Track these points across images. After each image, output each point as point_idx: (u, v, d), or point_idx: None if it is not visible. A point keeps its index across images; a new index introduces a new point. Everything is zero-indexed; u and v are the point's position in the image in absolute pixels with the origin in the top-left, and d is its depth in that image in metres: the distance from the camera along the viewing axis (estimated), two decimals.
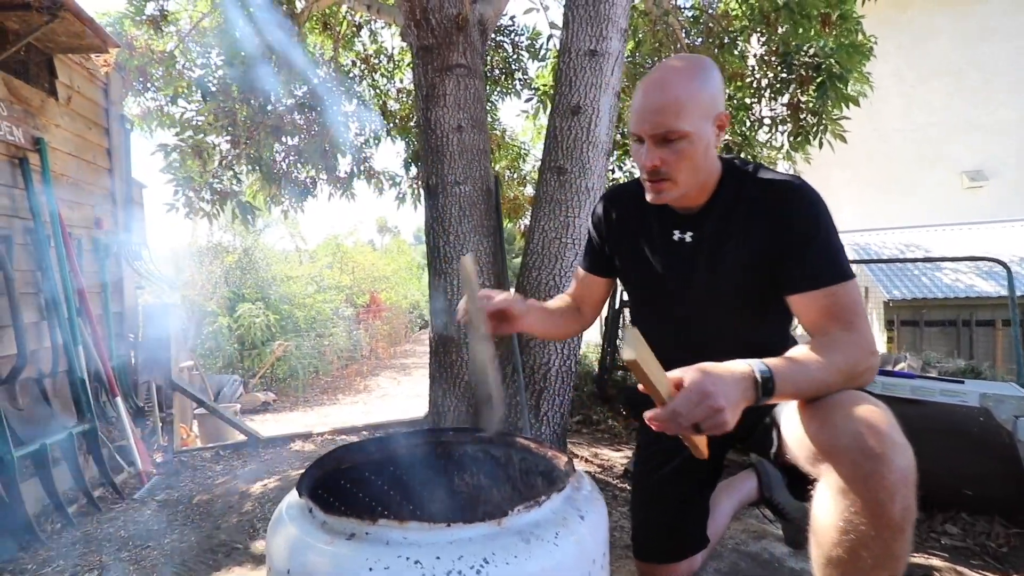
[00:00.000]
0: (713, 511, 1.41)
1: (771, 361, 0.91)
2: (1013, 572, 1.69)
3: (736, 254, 1.10)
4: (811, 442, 0.91)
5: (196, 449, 3.51)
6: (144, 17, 4.42)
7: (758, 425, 1.17)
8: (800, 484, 0.99)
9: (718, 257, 1.12)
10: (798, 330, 1.36)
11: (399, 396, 7.23)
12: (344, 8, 4.76)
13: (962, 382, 1.97)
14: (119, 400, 2.89)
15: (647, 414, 0.89)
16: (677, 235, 1.17)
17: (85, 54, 3.01)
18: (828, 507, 0.87)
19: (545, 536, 0.82)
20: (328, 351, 8.50)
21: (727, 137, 4.25)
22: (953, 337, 4.86)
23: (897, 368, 2.74)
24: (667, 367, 0.90)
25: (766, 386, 0.88)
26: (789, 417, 1.00)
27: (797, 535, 1.72)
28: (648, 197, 1.11)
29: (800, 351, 0.97)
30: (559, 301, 1.41)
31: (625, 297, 4.08)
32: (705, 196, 1.13)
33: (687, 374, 0.86)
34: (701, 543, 1.34)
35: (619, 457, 2.84)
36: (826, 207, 1.04)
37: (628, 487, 2.33)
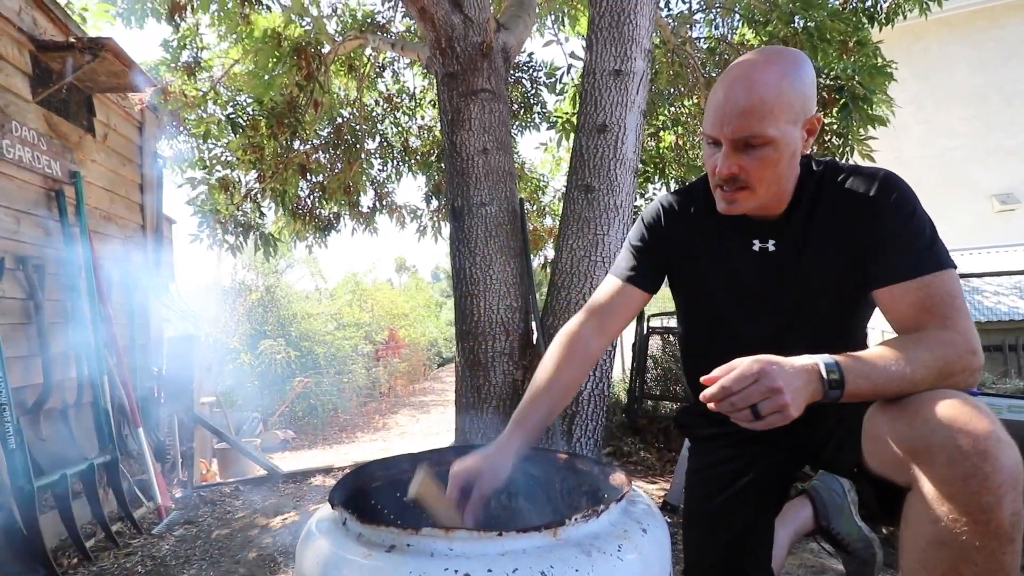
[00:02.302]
0: None
1: (839, 356, 0.82)
2: None
3: (827, 256, 0.99)
4: (899, 443, 0.80)
5: (216, 484, 3.43)
6: (180, 64, 4.65)
7: (832, 436, 1.05)
8: (890, 498, 0.87)
9: (809, 262, 1.00)
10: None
11: (418, 434, 7.09)
12: (368, 50, 4.94)
13: None
14: (141, 432, 2.85)
15: (703, 394, 0.80)
16: (758, 245, 1.04)
17: (122, 93, 3.14)
18: (921, 517, 0.76)
19: (607, 549, 0.73)
20: (347, 388, 8.44)
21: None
22: (1000, 362, 4.63)
23: None
24: None
25: (832, 380, 0.79)
26: (872, 420, 0.89)
27: (860, 568, 1.56)
28: (720, 207, 1.00)
29: (881, 347, 0.86)
30: (564, 345, 1.14)
31: (655, 323, 3.97)
32: (785, 202, 1.01)
33: (739, 361, 0.79)
34: None
35: (655, 489, 2.68)
36: (916, 195, 0.94)
37: (668, 520, 2.18)
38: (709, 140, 0.97)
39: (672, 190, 1.21)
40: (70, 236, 2.61)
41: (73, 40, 2.59)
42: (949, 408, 0.76)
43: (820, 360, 0.81)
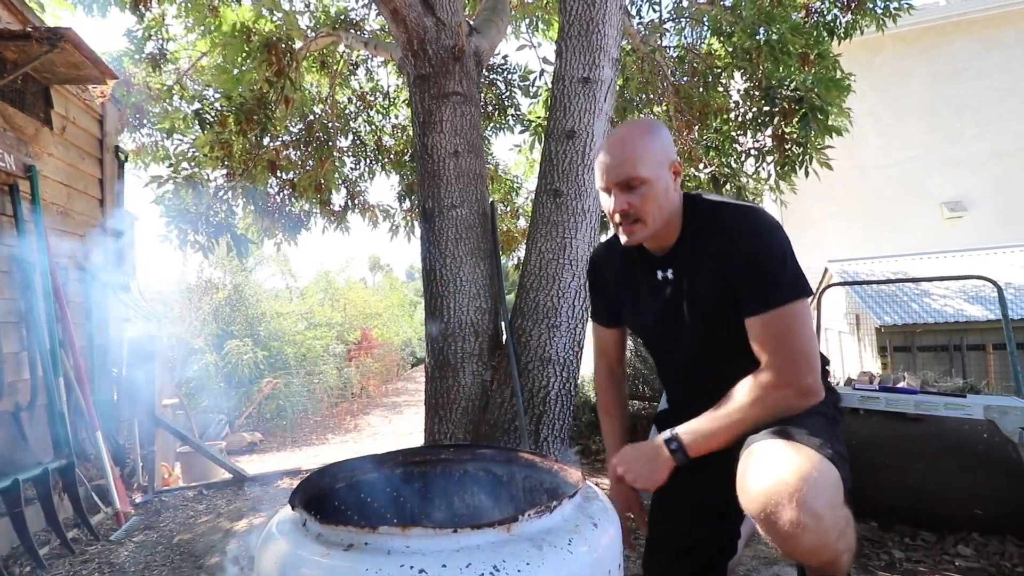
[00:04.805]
0: None
1: (680, 428, 1.10)
2: None
3: (705, 281, 1.16)
4: (744, 505, 0.97)
5: (178, 488, 3.36)
6: (144, 56, 4.52)
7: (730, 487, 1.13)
8: None
9: (694, 286, 1.18)
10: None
11: (390, 435, 7.04)
12: (341, 47, 4.89)
13: (964, 395, 1.95)
14: (99, 436, 2.77)
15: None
16: (660, 275, 1.24)
17: (82, 85, 3.04)
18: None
19: (558, 543, 0.76)
20: (318, 389, 8.30)
21: (713, 168, 4.35)
22: (946, 361, 4.88)
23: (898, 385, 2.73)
24: (686, 403, 1.16)
25: (672, 449, 1.08)
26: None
27: None
28: (623, 240, 1.20)
29: (716, 407, 1.09)
30: (609, 382, 1.43)
31: None
32: (675, 234, 1.21)
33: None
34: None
35: None
36: (775, 229, 1.10)
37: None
38: (604, 191, 1.20)
39: (597, 246, 1.46)
40: (25, 232, 2.53)
41: (30, 29, 2.51)
42: (765, 475, 0.93)
43: (664, 436, 1.11)
